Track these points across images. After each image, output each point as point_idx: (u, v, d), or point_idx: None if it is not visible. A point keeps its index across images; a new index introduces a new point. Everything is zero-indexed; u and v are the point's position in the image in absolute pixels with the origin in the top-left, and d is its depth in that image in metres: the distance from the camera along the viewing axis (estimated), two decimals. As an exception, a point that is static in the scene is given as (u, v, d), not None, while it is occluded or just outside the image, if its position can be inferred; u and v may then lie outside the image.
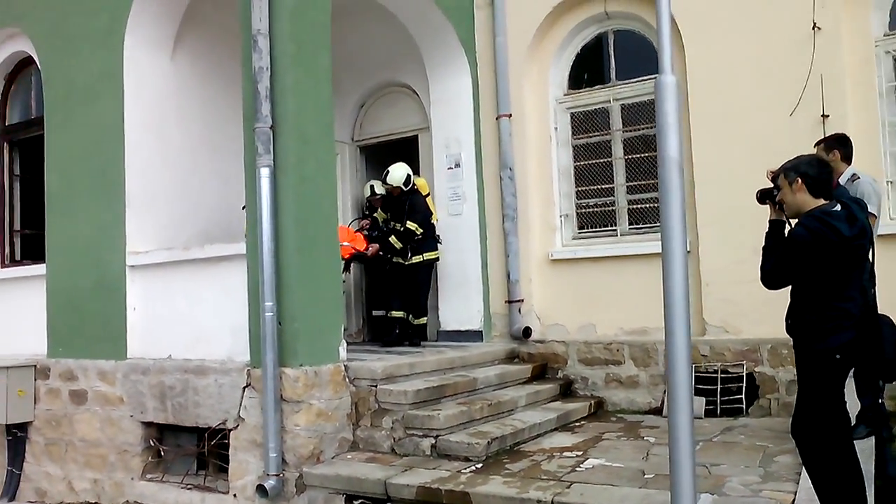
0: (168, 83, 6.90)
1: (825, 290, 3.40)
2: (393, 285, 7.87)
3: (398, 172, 7.60)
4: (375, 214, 8.15)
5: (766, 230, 3.70)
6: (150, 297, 6.41)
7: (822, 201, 3.49)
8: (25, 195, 8.24)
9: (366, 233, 8.01)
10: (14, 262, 8.12)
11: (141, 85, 6.70)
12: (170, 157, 6.80)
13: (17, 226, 8.23)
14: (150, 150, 6.67)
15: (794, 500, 4.01)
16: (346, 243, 7.41)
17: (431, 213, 7.67)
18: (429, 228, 7.59)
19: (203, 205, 6.95)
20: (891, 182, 6.13)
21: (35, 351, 7.18)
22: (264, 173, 5.41)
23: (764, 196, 3.72)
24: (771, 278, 3.54)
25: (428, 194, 7.74)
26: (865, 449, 4.47)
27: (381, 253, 7.74)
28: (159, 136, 6.75)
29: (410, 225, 7.42)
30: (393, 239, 7.56)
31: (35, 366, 7.07)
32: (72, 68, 7.06)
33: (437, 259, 7.75)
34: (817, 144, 5.19)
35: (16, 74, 8.18)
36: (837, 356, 3.35)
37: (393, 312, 7.76)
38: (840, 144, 5.09)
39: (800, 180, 3.51)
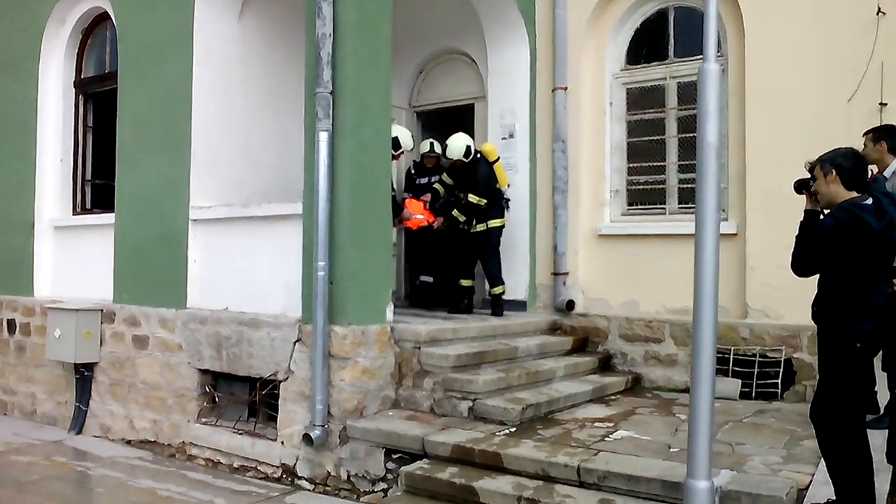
0: (234, 45, 7.15)
1: (851, 279, 3.48)
2: (461, 254, 7.78)
3: (456, 144, 7.51)
4: (439, 180, 8.00)
5: (801, 219, 3.79)
6: (210, 251, 6.74)
7: (854, 194, 3.57)
8: (97, 146, 8.65)
9: (428, 204, 7.91)
10: (84, 210, 8.56)
11: (209, 46, 6.96)
12: (234, 117, 7.08)
13: (88, 175, 8.65)
14: (215, 110, 6.95)
15: (811, 482, 4.13)
16: (419, 216, 7.54)
17: (496, 181, 7.53)
18: (495, 196, 7.49)
19: (262, 165, 7.22)
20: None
21: (102, 296, 7.61)
22: (323, 137, 5.63)
23: (801, 186, 3.81)
24: (799, 265, 3.65)
25: (497, 160, 7.57)
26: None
27: (445, 225, 7.69)
28: (225, 97, 7.03)
29: (472, 198, 7.35)
30: (456, 212, 7.49)
31: (102, 310, 7.50)
32: (145, 26, 7.36)
33: (503, 226, 7.60)
34: (866, 134, 5.18)
35: (92, 29, 8.51)
36: (858, 344, 3.45)
37: (462, 281, 7.66)
38: (888, 136, 5.07)
39: (834, 172, 3.59)
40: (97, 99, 8.60)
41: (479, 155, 7.51)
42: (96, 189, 8.66)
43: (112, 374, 7.41)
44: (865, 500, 3.56)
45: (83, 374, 7.58)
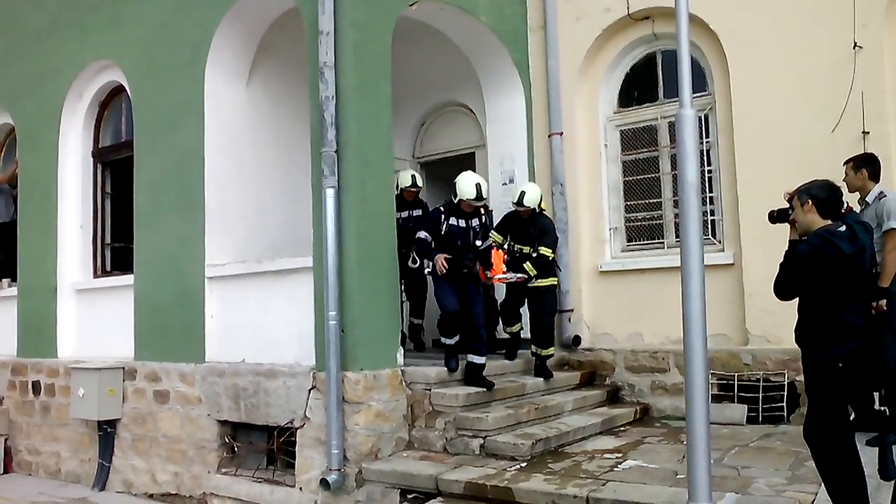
0: (244, 109, 7.51)
1: (827, 302, 3.68)
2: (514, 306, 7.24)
3: (535, 193, 7.04)
4: (492, 236, 7.04)
5: (786, 249, 4.01)
6: (226, 306, 7.00)
7: (829, 222, 3.78)
8: (115, 212, 8.98)
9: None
10: (105, 273, 8.85)
11: (219, 111, 7.32)
12: (244, 177, 7.40)
13: (107, 239, 8.97)
14: (227, 172, 7.28)
15: (813, 500, 4.27)
16: (508, 274, 6.79)
17: (558, 237, 7.33)
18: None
19: (273, 221, 7.51)
20: (930, 198, 6.26)
21: (123, 354, 7.84)
22: (329, 193, 5.93)
23: (778, 216, 4.03)
24: (780, 289, 3.87)
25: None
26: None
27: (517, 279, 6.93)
28: (235, 159, 7.36)
29: (545, 251, 6.88)
30: (528, 266, 6.85)
31: (123, 368, 7.74)
32: (158, 96, 7.74)
33: (556, 285, 7.31)
34: (846, 163, 5.41)
35: (108, 101, 8.91)
36: (840, 364, 3.62)
37: (509, 329, 7.27)
38: (867, 164, 5.30)
39: (810, 202, 3.82)
40: (114, 167, 8.96)
41: (542, 208, 7.16)
42: (115, 252, 8.96)
43: (134, 430, 7.61)
44: (860, 513, 3.71)
45: (106, 431, 7.78)
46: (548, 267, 6.97)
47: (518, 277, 6.82)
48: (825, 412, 3.72)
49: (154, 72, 7.80)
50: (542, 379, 6.96)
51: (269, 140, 7.64)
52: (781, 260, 4.02)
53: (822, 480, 3.91)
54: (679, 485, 4.73)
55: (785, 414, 6.45)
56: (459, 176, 6.60)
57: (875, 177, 5.34)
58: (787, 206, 4.09)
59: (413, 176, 8.01)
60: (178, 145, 7.46)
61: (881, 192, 5.24)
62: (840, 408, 3.72)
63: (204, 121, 7.22)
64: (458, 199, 6.45)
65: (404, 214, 7.69)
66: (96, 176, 8.99)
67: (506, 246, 7.15)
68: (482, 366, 6.36)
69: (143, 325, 7.69)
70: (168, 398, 7.32)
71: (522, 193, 7.02)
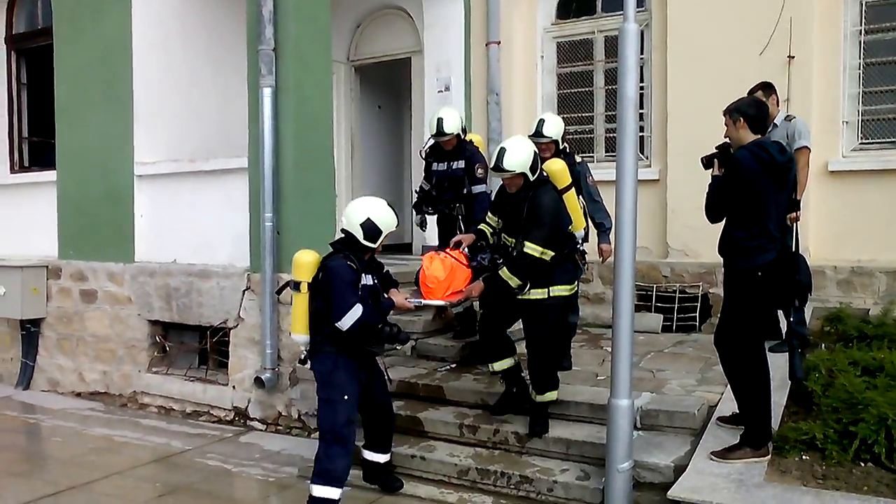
0: (173, 1, 7.19)
1: (753, 209, 3.90)
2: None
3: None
4: (486, 221, 5.02)
5: (710, 183, 4.19)
6: (157, 205, 6.89)
7: (759, 136, 4.01)
8: (32, 103, 8.58)
9: (468, 256, 4.88)
10: (23, 168, 8.53)
11: (148, 1, 6.99)
12: (174, 73, 7.16)
13: (24, 133, 8.60)
14: (156, 66, 7.03)
15: (720, 399, 4.67)
16: (445, 296, 4.71)
17: (569, 221, 4.75)
18: (565, 243, 4.65)
19: (205, 120, 7.32)
20: (846, 122, 6.61)
21: (46, 253, 7.68)
22: (266, 93, 5.83)
23: (710, 161, 4.20)
24: (712, 206, 4.11)
25: (569, 186, 4.83)
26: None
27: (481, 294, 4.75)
28: (165, 53, 7.09)
29: (530, 248, 4.43)
30: (505, 273, 4.48)
31: (47, 266, 7.59)
32: (79, -19, 7.32)
33: (574, 293, 4.95)
34: (753, 91, 5.56)
35: (21, -17, 8.40)
36: (759, 273, 3.90)
37: (494, 365, 4.81)
38: (774, 90, 5.52)
39: (742, 119, 4.00)
40: (30, 55, 8.51)
41: (543, 175, 4.68)
42: (33, 147, 8.61)
43: (60, 329, 7.53)
44: (763, 413, 4.05)
45: (29, 330, 7.69)
46: (543, 269, 4.52)
47: (455, 297, 4.71)
48: (740, 319, 3.99)
49: (75, -47, 7.36)
50: None
51: (201, 35, 7.35)
52: (708, 190, 4.20)
53: (730, 383, 4.24)
54: (600, 385, 5.06)
55: (697, 323, 6.87)
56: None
57: (777, 102, 5.59)
58: (716, 152, 4.25)
59: (440, 120, 5.63)
60: (102, 35, 7.14)
61: (788, 115, 5.51)
62: (755, 316, 4.00)
63: (131, 10, 6.91)
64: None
65: (442, 166, 5.87)
66: (10, 64, 8.53)
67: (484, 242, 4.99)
68: None
69: (67, 224, 7.51)
70: (95, 298, 7.23)
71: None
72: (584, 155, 7.72)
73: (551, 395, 4.71)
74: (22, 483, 5.08)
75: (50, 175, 7.66)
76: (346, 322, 4.10)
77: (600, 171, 7.45)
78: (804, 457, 3.98)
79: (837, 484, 3.73)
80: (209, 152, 7.01)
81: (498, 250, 4.82)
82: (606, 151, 7.71)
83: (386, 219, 4.28)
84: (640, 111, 7.42)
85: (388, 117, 9.95)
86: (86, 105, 7.29)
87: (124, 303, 7.01)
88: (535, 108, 7.99)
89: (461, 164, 5.76)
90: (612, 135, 7.64)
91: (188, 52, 7.26)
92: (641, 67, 7.44)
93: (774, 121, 5.37)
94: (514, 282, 4.50)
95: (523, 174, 4.51)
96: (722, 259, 4.18)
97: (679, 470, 4.01)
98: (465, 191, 5.78)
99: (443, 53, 8.33)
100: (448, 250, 4.87)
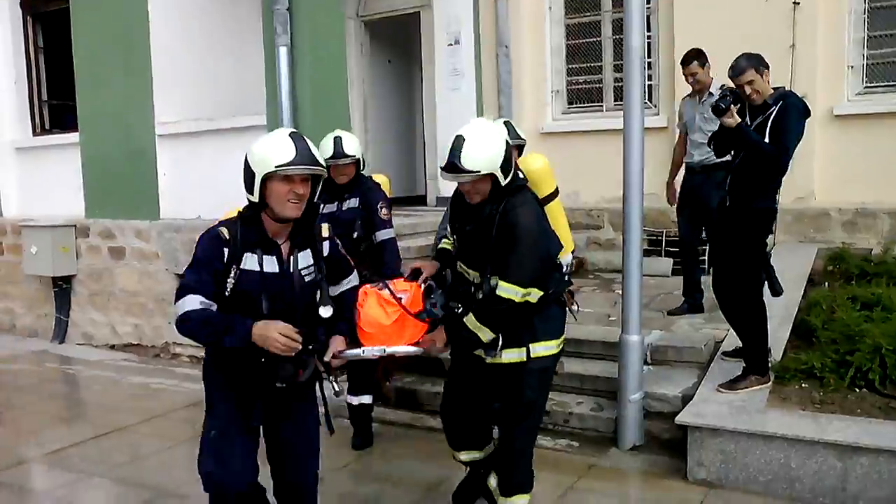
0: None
1: (791, 151, 4.06)
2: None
3: (483, 147, 3.00)
4: (443, 244, 3.53)
5: (739, 133, 4.07)
6: (179, 164, 7.11)
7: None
8: (50, 67, 8.76)
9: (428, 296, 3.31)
10: (44, 131, 8.75)
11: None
12: (192, 36, 7.29)
13: (44, 96, 8.79)
14: (173, 28, 7.17)
15: (725, 336, 4.91)
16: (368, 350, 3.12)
17: (560, 246, 3.34)
18: (551, 281, 3.24)
19: (222, 81, 7.47)
20: (851, 66, 6.72)
21: (71, 213, 7.93)
22: (283, 52, 6.01)
23: (726, 108, 4.18)
24: (722, 147, 4.27)
25: (555, 192, 3.45)
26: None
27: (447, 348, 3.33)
28: (181, 14, 7.22)
29: (507, 291, 3.04)
30: (472, 322, 3.09)
31: (75, 225, 7.85)
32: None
33: (560, 352, 3.32)
34: (687, 59, 5.61)
35: (35, -53, 8.51)
36: (774, 210, 4.11)
37: (461, 455, 3.57)
38: (706, 58, 5.59)
39: (767, 70, 4.13)
40: (45, 19, 8.65)
41: (519, 177, 3.24)
42: (53, 109, 8.81)
43: (90, 285, 7.83)
44: (765, 343, 4.31)
45: (62, 287, 7.98)
46: (520, 318, 3.14)
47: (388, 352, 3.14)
48: (747, 258, 4.14)
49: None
50: None
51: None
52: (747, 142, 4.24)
53: (732, 323, 4.45)
54: (612, 325, 5.32)
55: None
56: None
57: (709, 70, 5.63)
58: (731, 98, 4.28)
59: (337, 139, 4.41)
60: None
61: (723, 85, 5.50)
62: (760, 254, 4.16)
63: (147, -26, 7.04)
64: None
65: (332, 207, 4.47)
66: (26, 29, 8.68)
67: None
68: None
69: (93, 184, 7.75)
70: (124, 254, 7.51)
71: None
72: (593, 104, 7.94)
73: (521, 500, 3.35)
74: (69, 427, 5.42)
75: (72, 137, 7.87)
76: (176, 312, 2.73)
77: (608, 121, 7.69)
78: (803, 385, 4.25)
79: (833, 408, 4.00)
80: (228, 111, 7.20)
81: (455, 289, 3.34)
82: (615, 100, 7.85)
83: (259, 154, 2.68)
84: (648, 60, 7.57)
85: (399, 72, 10.05)
86: (104, 69, 7.46)
87: (152, 258, 7.28)
88: (545, 58, 8.12)
89: (354, 202, 4.46)
90: (620, 84, 7.67)
91: (204, 17, 7.40)
92: (648, 17, 7.53)
93: (710, 89, 5.49)
94: (484, 334, 3.09)
95: (491, 176, 3.02)
96: (728, 200, 4.31)
97: (687, 399, 4.29)
98: (357, 238, 4.39)
99: (451, 7, 8.43)
100: (394, 283, 3.29)
